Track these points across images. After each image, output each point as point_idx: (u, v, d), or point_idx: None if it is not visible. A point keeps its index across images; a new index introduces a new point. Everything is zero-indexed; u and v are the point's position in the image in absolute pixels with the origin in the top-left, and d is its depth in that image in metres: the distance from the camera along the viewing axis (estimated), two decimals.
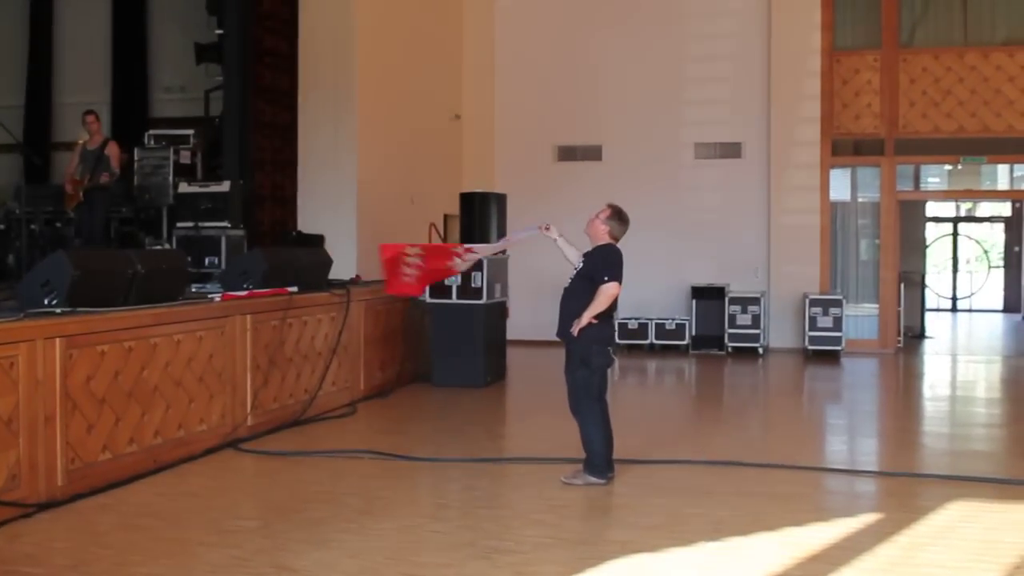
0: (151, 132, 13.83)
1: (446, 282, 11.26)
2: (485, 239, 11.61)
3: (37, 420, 6.18)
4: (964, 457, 8.21)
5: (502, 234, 11.96)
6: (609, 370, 7.10)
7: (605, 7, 16.02)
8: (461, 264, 8.65)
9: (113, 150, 11.98)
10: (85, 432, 6.60)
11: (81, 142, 12.21)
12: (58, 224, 12.56)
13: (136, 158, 12.95)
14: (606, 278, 6.74)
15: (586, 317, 6.73)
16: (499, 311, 11.92)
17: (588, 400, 6.91)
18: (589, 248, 7.03)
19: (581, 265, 6.97)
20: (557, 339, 7.06)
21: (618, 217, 6.98)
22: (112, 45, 16.40)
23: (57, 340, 6.36)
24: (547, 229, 7.40)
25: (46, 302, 6.81)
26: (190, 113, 15.34)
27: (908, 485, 7.14)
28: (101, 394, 6.75)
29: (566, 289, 7.02)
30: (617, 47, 15.93)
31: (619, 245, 6.98)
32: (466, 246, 8.76)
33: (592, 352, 6.87)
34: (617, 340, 14.81)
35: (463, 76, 16.47)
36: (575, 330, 6.78)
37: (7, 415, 5.98)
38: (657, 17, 15.92)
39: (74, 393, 6.50)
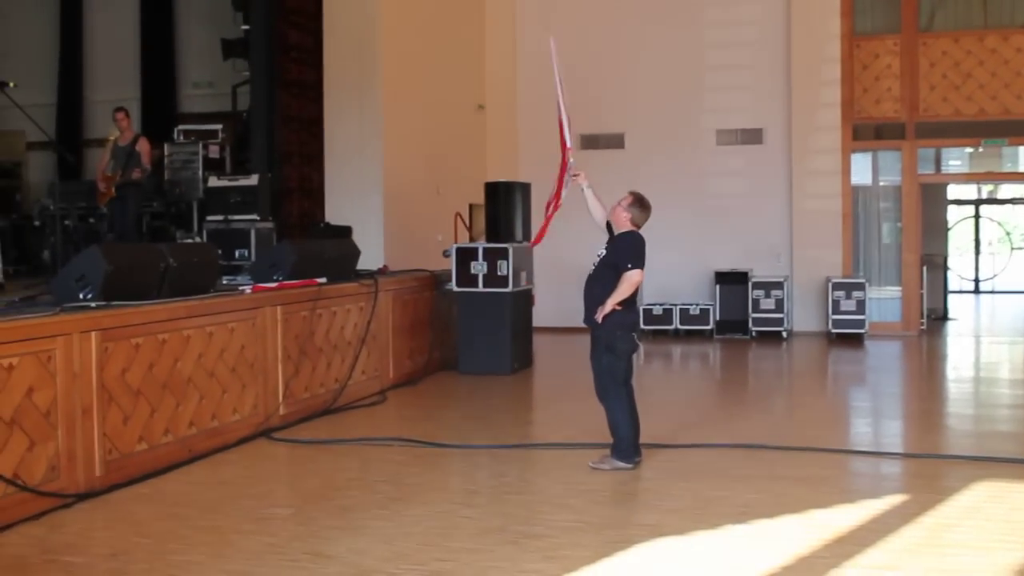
0: (180, 128, 13.89)
1: (472, 269, 11.29)
2: (510, 229, 11.60)
3: (75, 412, 6.23)
4: (989, 438, 8.16)
5: (527, 225, 11.95)
6: (634, 355, 7.10)
7: None
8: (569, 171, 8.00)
9: (144, 146, 12.04)
10: (121, 423, 6.64)
11: (112, 139, 12.28)
12: (91, 219, 12.64)
13: (166, 153, 13.02)
14: (629, 265, 6.73)
15: (610, 304, 6.72)
16: (525, 299, 11.91)
17: (614, 386, 6.90)
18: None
19: (604, 252, 6.96)
20: (583, 326, 7.05)
21: (640, 204, 6.96)
22: (141, 42, 16.48)
23: (93, 334, 6.40)
24: (578, 176, 7.38)
25: (81, 296, 6.85)
26: (218, 108, 15.43)
27: (933, 466, 7.10)
28: (136, 386, 6.79)
29: (590, 276, 7.01)
30: (638, 36, 15.88)
31: (642, 231, 6.97)
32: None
33: (617, 338, 6.87)
34: (642, 326, 14.93)
35: (486, 66, 16.44)
36: (599, 317, 6.77)
37: (45, 407, 6.02)
38: (677, 5, 15.85)
39: (110, 385, 6.54)
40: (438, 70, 14.46)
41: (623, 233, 6.92)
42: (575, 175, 7.42)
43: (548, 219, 8.27)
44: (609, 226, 7.06)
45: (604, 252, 6.98)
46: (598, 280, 6.89)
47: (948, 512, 5.80)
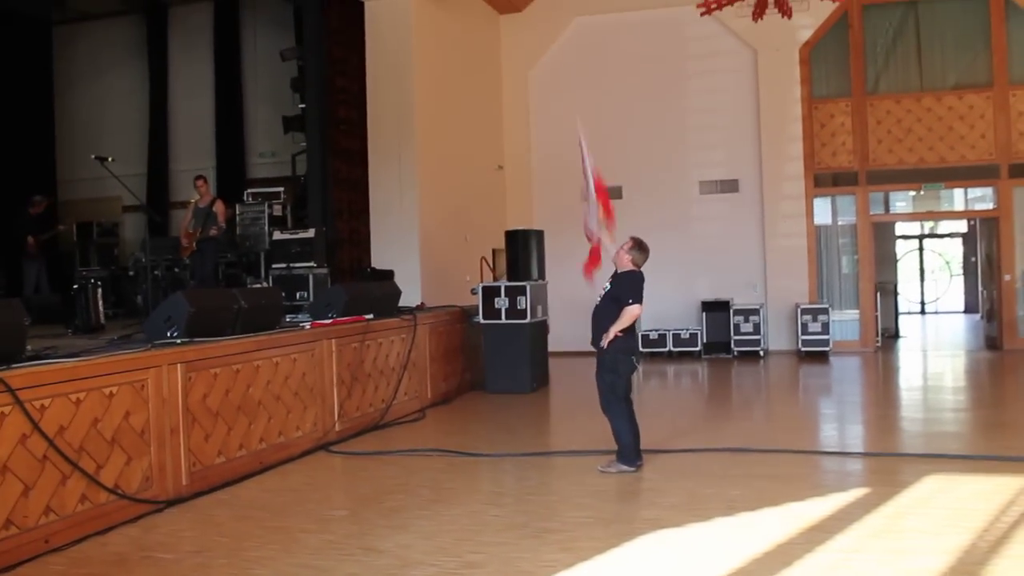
0: (249, 191, 13.99)
1: (496, 304, 11.29)
2: (528, 269, 11.59)
3: (164, 431, 6.25)
4: (937, 438, 8.06)
5: (541, 266, 11.95)
6: (633, 375, 7.08)
7: (620, 72, 16.01)
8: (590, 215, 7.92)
9: (220, 207, 12.12)
10: (203, 440, 6.65)
11: (193, 201, 12.38)
12: (176, 269, 12.72)
13: (238, 212, 13.11)
14: (630, 300, 6.72)
15: (613, 331, 6.72)
16: (541, 328, 11.88)
17: (616, 401, 6.87)
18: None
19: (610, 287, 6.95)
20: (591, 349, 7.03)
21: (639, 247, 6.95)
22: (216, 121, 16.65)
23: (178, 365, 6.43)
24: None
25: (168, 334, 6.89)
26: (280, 174, 15.55)
27: (890, 463, 7.03)
28: (215, 409, 6.81)
29: (596, 307, 6.99)
30: (631, 104, 15.92)
31: (641, 269, 6.97)
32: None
33: (619, 360, 6.85)
34: (640, 348, 14.88)
35: (504, 133, 16.53)
36: (605, 343, 6.77)
37: (140, 428, 6.04)
38: (665, 77, 15.89)
39: (193, 408, 6.56)
40: (463, 138, 14.55)
41: (625, 272, 6.91)
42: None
43: (596, 250, 8.05)
44: (623, 280, 7.02)
45: (609, 287, 6.96)
46: (603, 311, 6.88)
47: (903, 502, 5.74)
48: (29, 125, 16.30)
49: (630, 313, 6.73)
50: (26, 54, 16.45)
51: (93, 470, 5.61)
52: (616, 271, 6.99)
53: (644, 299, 6.82)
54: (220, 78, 16.57)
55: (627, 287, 6.81)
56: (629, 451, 6.81)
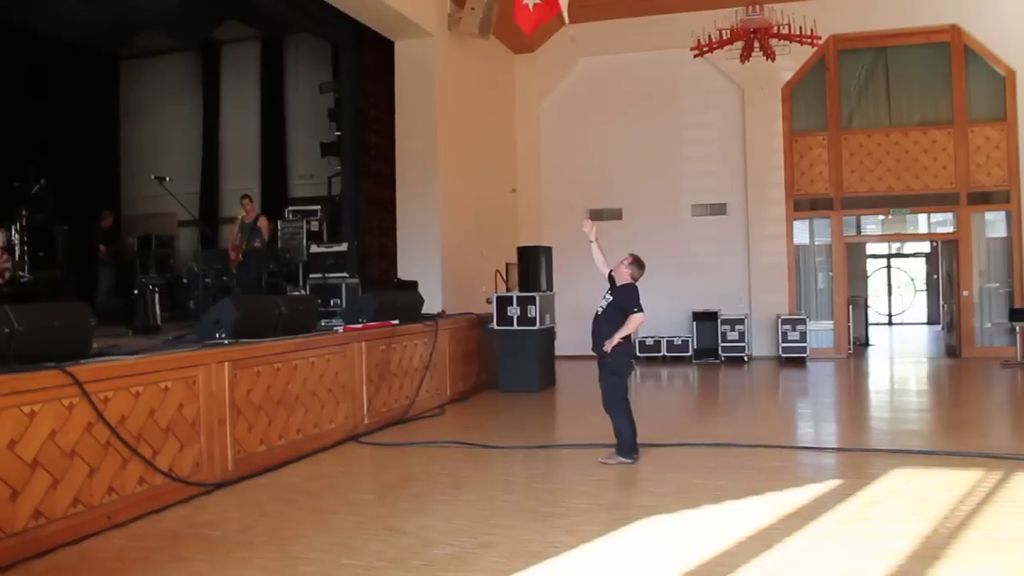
0: (290, 208, 13.97)
1: (508, 312, 11.29)
2: (537, 282, 11.58)
3: (213, 422, 6.27)
4: (902, 435, 8.02)
5: (550, 279, 11.95)
6: (631, 376, 7.06)
7: (622, 106, 16.02)
8: None
9: (263, 223, 12.15)
10: (247, 431, 6.67)
11: (240, 217, 12.41)
12: (224, 278, 12.72)
13: (279, 228, 13.09)
14: (635, 310, 6.72)
15: (617, 337, 6.72)
16: (549, 334, 11.87)
17: (617, 399, 6.87)
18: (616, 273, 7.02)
19: (612, 298, 6.93)
20: (593, 353, 7.02)
21: (638, 263, 6.95)
22: (261, 145, 16.66)
23: (226, 363, 6.46)
24: (589, 229, 7.20)
25: (217, 336, 6.92)
26: (317, 194, 15.54)
27: (860, 458, 7.02)
28: (258, 402, 6.83)
29: (597, 315, 6.97)
30: (632, 134, 15.94)
31: (638, 284, 6.96)
32: None
33: (620, 364, 6.85)
34: (638, 353, 14.86)
35: (517, 159, 16.54)
36: (608, 348, 6.76)
37: (192, 419, 6.07)
38: (661, 111, 15.89)
39: (238, 402, 6.59)
40: (481, 163, 14.58)
41: (625, 284, 6.90)
42: (588, 227, 7.19)
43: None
44: (610, 276, 7.04)
45: (610, 298, 6.94)
46: (607, 319, 6.86)
47: (872, 493, 5.73)
48: (98, 148, 16.40)
49: (635, 321, 6.73)
50: (96, 86, 16.56)
51: (150, 455, 5.63)
52: (615, 283, 6.99)
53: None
54: (265, 108, 16.61)
55: (632, 298, 6.80)
56: (627, 445, 6.79)
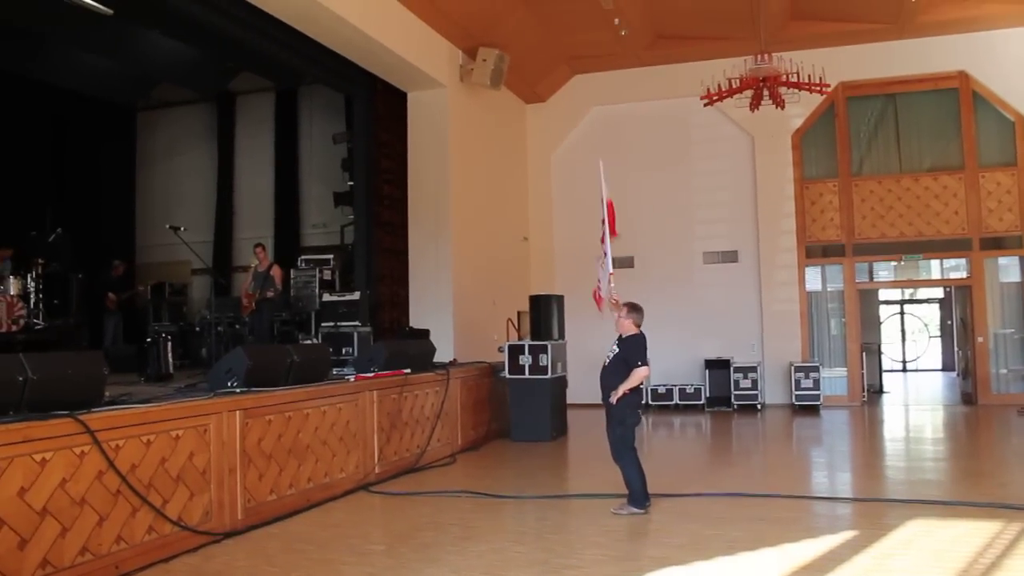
0: (303, 257, 14.09)
1: (520, 361, 11.28)
2: (549, 330, 11.57)
3: (223, 471, 6.26)
4: (919, 485, 7.94)
5: (561, 328, 11.96)
6: (638, 427, 7.01)
7: (634, 153, 16.11)
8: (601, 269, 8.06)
9: (276, 272, 12.24)
10: (257, 479, 6.66)
11: (253, 266, 12.51)
12: (237, 326, 12.82)
13: (292, 276, 13.21)
14: (639, 363, 6.72)
15: (622, 389, 6.70)
16: (561, 383, 11.83)
17: (625, 450, 6.81)
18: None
19: (618, 350, 6.92)
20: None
21: (635, 310, 6.94)
22: (275, 195, 16.85)
23: (237, 412, 6.46)
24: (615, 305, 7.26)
25: (229, 384, 6.94)
26: (330, 243, 15.68)
27: (876, 508, 6.91)
28: (269, 451, 6.82)
29: (605, 367, 6.95)
30: (643, 183, 16.00)
31: (646, 328, 6.94)
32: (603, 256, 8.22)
33: (627, 414, 6.81)
34: (650, 402, 14.80)
35: (529, 208, 16.63)
36: (614, 399, 6.74)
37: (202, 467, 6.07)
38: (672, 159, 15.99)
39: (249, 450, 6.58)
40: (493, 212, 14.68)
41: (630, 336, 6.88)
42: (614, 299, 7.35)
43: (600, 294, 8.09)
44: (629, 343, 6.94)
45: (616, 349, 6.93)
46: (613, 371, 6.85)
47: (889, 544, 5.64)
48: (114, 198, 16.66)
49: (638, 374, 6.71)
50: (114, 135, 16.87)
51: (160, 504, 5.62)
52: (621, 336, 6.98)
53: (652, 358, 6.80)
54: (279, 158, 16.82)
55: (634, 351, 6.79)
56: (639, 495, 6.73)
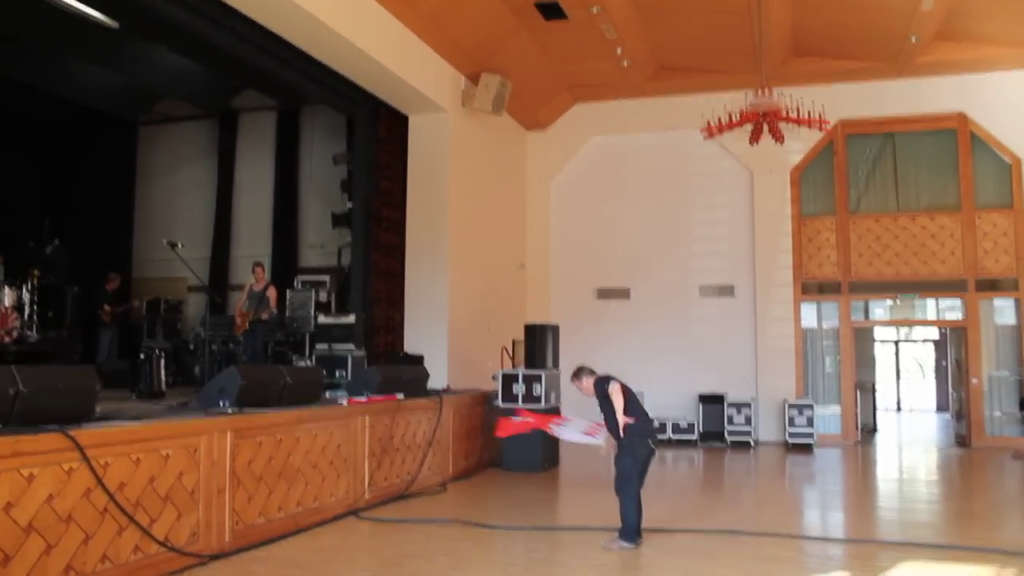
0: (299, 278, 14.11)
1: (513, 389, 11.25)
2: (543, 359, 11.56)
3: (212, 491, 6.22)
4: (912, 526, 7.89)
5: (556, 357, 11.94)
6: (649, 460, 6.92)
7: (631, 185, 16.21)
8: (556, 430, 7.92)
9: (272, 293, 12.19)
10: (246, 501, 6.61)
11: (249, 285, 12.47)
12: (231, 345, 12.77)
13: (288, 297, 13.19)
14: (607, 387, 6.78)
15: (622, 419, 6.69)
16: (553, 413, 11.77)
17: (629, 484, 6.77)
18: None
19: (599, 401, 6.96)
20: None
21: (579, 373, 7.10)
22: (273, 213, 16.87)
23: (228, 432, 6.44)
24: (595, 433, 7.31)
25: (220, 404, 6.90)
26: (327, 264, 15.68)
27: (868, 549, 6.88)
28: (258, 473, 6.78)
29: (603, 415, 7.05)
30: (641, 214, 16.08)
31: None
32: (559, 421, 8.07)
33: (636, 444, 6.78)
34: (657, 435, 14.70)
35: (527, 235, 16.65)
36: (621, 432, 6.74)
37: (191, 487, 6.02)
38: (670, 191, 16.06)
39: (239, 472, 6.54)
40: (490, 238, 14.69)
41: (595, 385, 6.96)
42: (595, 432, 7.31)
43: (522, 426, 8.11)
44: (597, 388, 6.98)
45: (598, 402, 6.98)
46: (607, 415, 6.91)
47: None
48: (112, 210, 16.69)
49: (614, 392, 6.74)
50: (115, 148, 16.93)
51: (147, 523, 5.58)
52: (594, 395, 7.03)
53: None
54: (279, 176, 16.85)
55: (601, 387, 6.87)
56: (631, 530, 6.69)
